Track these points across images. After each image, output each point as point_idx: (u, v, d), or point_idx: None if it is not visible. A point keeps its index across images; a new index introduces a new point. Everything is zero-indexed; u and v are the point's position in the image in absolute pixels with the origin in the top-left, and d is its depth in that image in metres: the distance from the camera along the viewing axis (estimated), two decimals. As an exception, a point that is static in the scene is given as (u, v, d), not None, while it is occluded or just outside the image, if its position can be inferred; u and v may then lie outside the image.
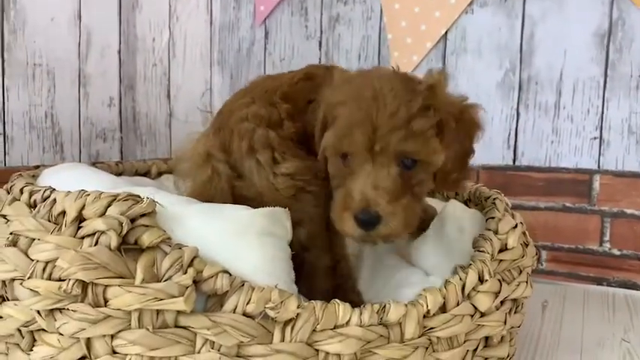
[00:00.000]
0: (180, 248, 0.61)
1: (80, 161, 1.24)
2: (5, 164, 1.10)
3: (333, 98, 0.73)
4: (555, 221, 1.33)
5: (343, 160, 0.72)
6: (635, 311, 1.12)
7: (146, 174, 1.13)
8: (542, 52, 1.33)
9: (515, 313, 0.81)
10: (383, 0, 1.45)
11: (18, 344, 0.65)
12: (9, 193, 0.78)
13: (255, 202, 0.76)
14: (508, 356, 0.80)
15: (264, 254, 0.64)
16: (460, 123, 0.72)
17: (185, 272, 0.60)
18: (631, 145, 1.26)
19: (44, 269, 0.61)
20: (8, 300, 0.64)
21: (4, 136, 1.09)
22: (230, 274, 0.61)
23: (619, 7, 1.25)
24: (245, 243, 0.64)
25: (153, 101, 1.44)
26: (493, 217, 0.84)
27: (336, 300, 0.63)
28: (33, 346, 0.64)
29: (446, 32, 1.41)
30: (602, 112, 1.28)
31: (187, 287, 0.59)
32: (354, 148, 0.68)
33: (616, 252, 1.28)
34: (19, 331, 0.64)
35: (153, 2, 1.42)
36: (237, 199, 0.77)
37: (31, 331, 0.64)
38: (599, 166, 1.29)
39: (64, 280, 0.60)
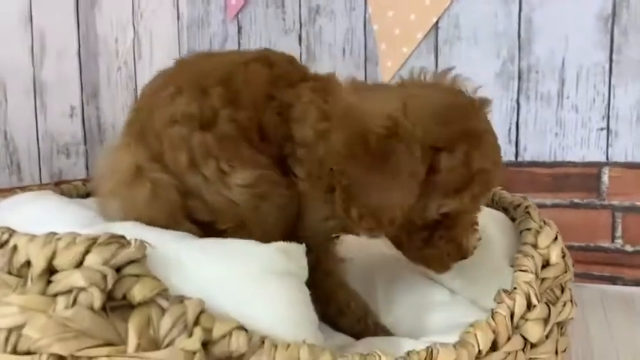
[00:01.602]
0: (181, 302, 0.49)
1: (41, 181, 1.10)
2: (-48, 191, 0.95)
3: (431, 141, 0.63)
4: (564, 219, 1.25)
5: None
6: (660, 313, 1.05)
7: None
8: (542, 39, 1.24)
9: (561, 336, 0.72)
10: (367, -12, 1.34)
11: None
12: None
13: (216, 221, 0.64)
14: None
15: (287, 300, 0.52)
16: None
17: (191, 334, 0.47)
18: (640, 134, 1.19)
19: (7, 340, 0.48)
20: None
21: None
22: (246, 330, 0.49)
23: (623, -13, 1.17)
24: (261, 288, 0.52)
25: (119, 108, 1.29)
26: (529, 229, 0.74)
27: (377, 351, 0.52)
28: None
29: (437, 21, 1.30)
30: (609, 100, 1.21)
31: (196, 353, 0.46)
32: (473, 206, 0.69)
33: (629, 248, 1.21)
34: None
35: (113, -2, 1.28)
36: (192, 218, 0.65)
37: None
38: (607, 159, 1.22)
39: (34, 354, 0.47)
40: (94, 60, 1.21)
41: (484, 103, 0.71)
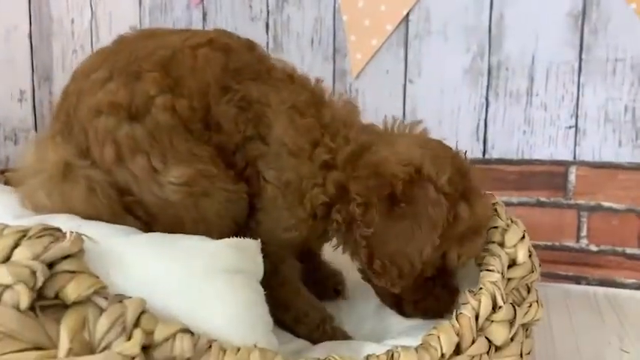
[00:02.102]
0: (121, 301, 0.45)
1: (-13, 169, 1.03)
2: None
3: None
4: (530, 217, 1.24)
5: None
6: (622, 314, 1.04)
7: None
8: (512, 35, 1.22)
9: (526, 338, 0.70)
10: (337, -23, 1.30)
11: None
12: None
13: (152, 220, 0.60)
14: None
15: (238, 299, 0.48)
16: None
17: (130, 336, 0.43)
18: (608, 133, 1.18)
19: None
20: None
21: None
22: (192, 333, 0.45)
23: (593, -14, 1.16)
24: (211, 286, 0.48)
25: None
26: (496, 227, 0.71)
27: (334, 355, 0.49)
28: None
29: (408, 13, 1.27)
30: (578, 99, 1.20)
31: (135, 358, 0.42)
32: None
33: (593, 248, 1.21)
34: None
35: (69, -23, 1.21)
36: (133, 216, 0.60)
37: None
38: (574, 157, 1.21)
39: (-49, 359, 0.42)
40: (47, 42, 1.15)
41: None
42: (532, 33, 1.21)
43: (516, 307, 0.65)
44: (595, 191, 1.20)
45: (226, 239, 0.53)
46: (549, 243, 1.23)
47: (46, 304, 0.44)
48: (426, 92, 1.28)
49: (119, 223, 0.56)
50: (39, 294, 0.43)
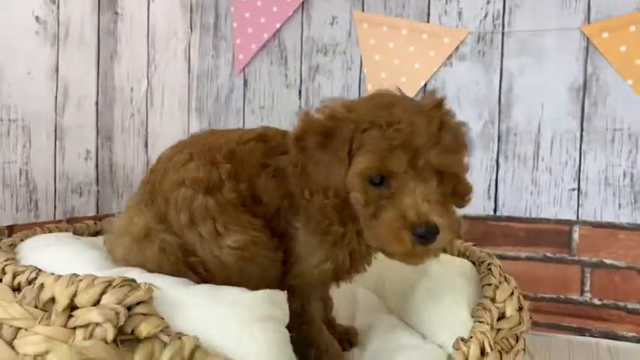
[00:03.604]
0: (180, 338, 0.58)
1: (55, 217, 1.20)
2: (-25, 224, 1.05)
3: (361, 123, 0.70)
4: (536, 271, 1.34)
5: (378, 185, 0.70)
6: (620, 364, 1.13)
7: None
8: (520, 105, 1.35)
9: (514, 382, 0.80)
10: (363, 52, 1.46)
11: None
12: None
13: (209, 276, 0.74)
14: None
15: (268, 341, 0.62)
16: (462, 138, 0.76)
17: (187, 365, 0.57)
18: (608, 196, 1.29)
19: (33, 364, 0.57)
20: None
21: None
22: (234, 364, 0.59)
23: (593, 64, 1.29)
24: (248, 330, 0.62)
25: (130, 152, 1.40)
26: (490, 284, 0.83)
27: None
28: None
29: (425, 84, 1.42)
30: (580, 164, 1.31)
31: (189, 382, 0.56)
32: (398, 167, 0.68)
33: (597, 302, 1.30)
34: None
35: (131, 52, 1.40)
36: (193, 272, 0.74)
37: None
38: (577, 217, 1.31)
39: (55, 378, 0.56)
40: (110, 107, 1.33)
41: (436, 101, 0.75)
42: (538, 104, 1.34)
43: (504, 353, 0.76)
44: (597, 249, 1.30)
45: (261, 291, 0.67)
46: (555, 296, 1.33)
47: (124, 338, 0.58)
48: (442, 154, 1.41)
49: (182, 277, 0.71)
50: (120, 330, 0.58)
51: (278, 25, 1.55)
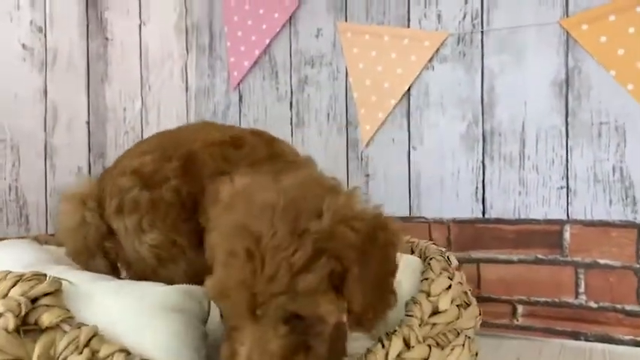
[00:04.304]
0: (79, 327, 0.61)
1: (47, 232, 1.26)
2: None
3: (215, 236, 0.62)
4: (529, 274, 1.29)
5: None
6: (609, 368, 1.07)
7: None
8: (503, 104, 1.33)
9: (454, 380, 0.78)
10: (348, 61, 1.48)
11: None
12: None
13: (127, 266, 0.76)
14: None
15: (169, 332, 0.63)
16: (372, 252, 0.61)
17: (81, 352, 0.59)
18: (598, 193, 1.24)
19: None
20: None
21: (-33, 211, 1.12)
22: (129, 353, 0.61)
23: (574, 57, 1.25)
24: (147, 319, 0.64)
25: (125, 168, 1.47)
26: (427, 279, 0.82)
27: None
28: None
29: (409, 88, 1.42)
30: (567, 161, 1.27)
31: (81, 369, 0.58)
32: (232, 310, 0.59)
33: (593, 304, 1.24)
34: None
35: (123, 75, 1.47)
36: (104, 256, 0.78)
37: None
38: (568, 216, 1.26)
39: (-40, 365, 0.60)
40: (102, 127, 1.40)
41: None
42: (521, 101, 1.31)
43: (436, 347, 0.74)
44: (590, 248, 1.24)
45: (175, 285, 0.69)
46: (549, 299, 1.28)
47: (28, 328, 0.61)
48: (428, 158, 1.40)
49: (89, 258, 0.75)
50: (24, 321, 0.61)
51: (267, 41, 1.59)
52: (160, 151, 0.81)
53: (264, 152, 0.82)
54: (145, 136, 1.52)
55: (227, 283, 0.57)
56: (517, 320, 1.30)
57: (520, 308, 1.30)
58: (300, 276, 0.56)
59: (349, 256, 0.59)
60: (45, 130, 1.27)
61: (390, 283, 0.66)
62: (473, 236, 1.35)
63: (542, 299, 1.28)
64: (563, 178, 1.27)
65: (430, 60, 1.39)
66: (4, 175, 1.18)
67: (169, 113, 1.63)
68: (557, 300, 1.27)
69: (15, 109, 1.20)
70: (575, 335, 1.24)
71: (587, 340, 1.23)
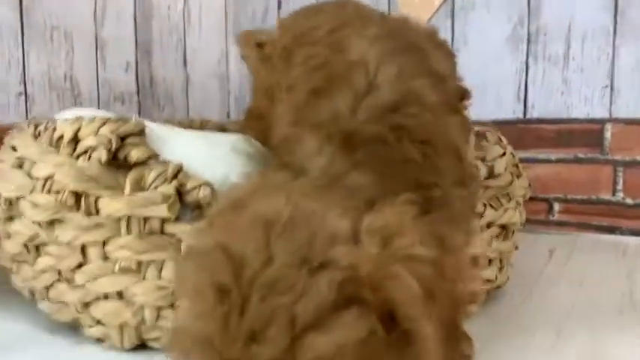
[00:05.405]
0: (165, 163, 0.65)
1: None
2: (28, 123, 1.17)
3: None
4: (567, 173, 1.32)
5: None
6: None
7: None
8: (549, 4, 1.31)
9: (504, 240, 0.82)
10: (391, -40, 1.47)
11: (25, 261, 0.71)
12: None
13: None
14: (497, 280, 0.82)
15: (238, 170, 0.67)
16: (439, 297, 0.38)
17: (170, 183, 0.64)
18: (642, 91, 1.24)
19: (44, 185, 0.67)
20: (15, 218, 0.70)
21: (26, 95, 1.16)
22: (213, 187, 0.65)
23: (628, -48, 1.23)
24: (225, 158, 0.68)
25: (169, 67, 1.49)
26: (482, 146, 0.85)
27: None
28: (37, 259, 0.69)
29: (453, -10, 1.41)
30: (613, 60, 1.26)
31: (170, 196, 0.63)
32: None
33: (629, 201, 1.27)
34: (26, 246, 0.70)
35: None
36: None
37: (36, 246, 0.69)
38: (610, 115, 1.27)
39: (60, 193, 0.65)
40: (147, 23, 1.42)
41: None
42: (568, 0, 1.29)
43: (490, 208, 0.78)
44: (631, 147, 1.26)
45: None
46: (585, 197, 1.31)
47: (119, 163, 0.65)
48: (472, 60, 1.40)
49: None
50: (115, 157, 0.65)
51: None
52: None
53: None
54: (188, 38, 1.54)
55: (185, 338, 0.36)
56: (553, 216, 1.34)
57: (556, 205, 1.34)
58: (307, 337, 0.33)
59: (411, 312, 0.36)
60: (95, 22, 1.29)
61: (461, 326, 0.43)
62: (514, 136, 1.36)
63: (579, 197, 1.31)
64: (607, 76, 1.27)
65: (477, -41, 1.37)
66: (60, 63, 1.22)
67: (210, 15, 1.63)
68: (593, 197, 1.30)
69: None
70: (610, 230, 1.28)
71: (622, 233, 1.27)
